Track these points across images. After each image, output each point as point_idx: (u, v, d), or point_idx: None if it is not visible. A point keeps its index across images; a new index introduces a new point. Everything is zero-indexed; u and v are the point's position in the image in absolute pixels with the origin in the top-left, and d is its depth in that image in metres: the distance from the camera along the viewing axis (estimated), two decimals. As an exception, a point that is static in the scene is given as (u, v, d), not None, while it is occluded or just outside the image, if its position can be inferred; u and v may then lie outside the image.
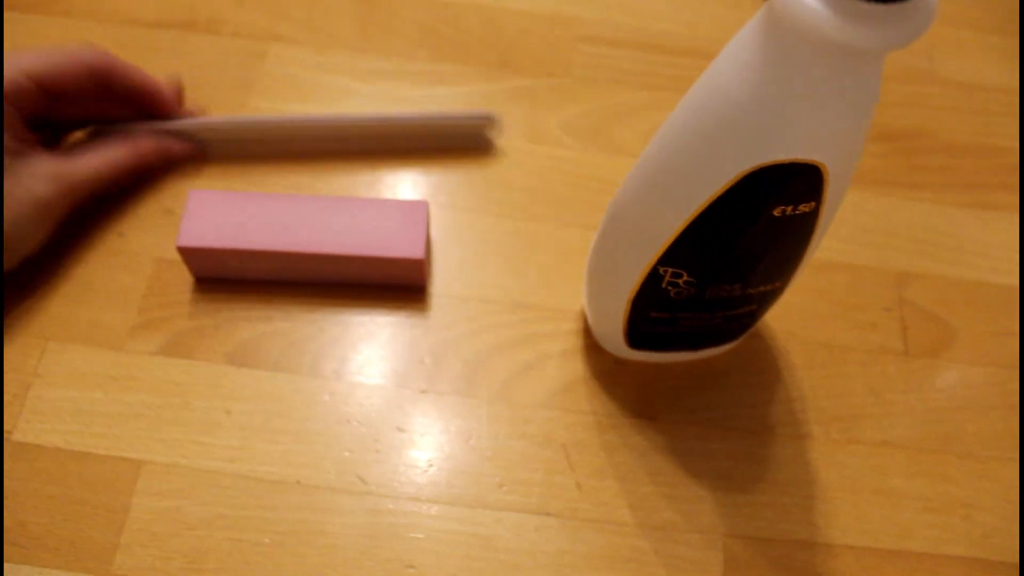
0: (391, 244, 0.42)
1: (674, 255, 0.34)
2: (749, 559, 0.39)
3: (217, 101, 0.50)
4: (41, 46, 0.43)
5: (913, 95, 0.54)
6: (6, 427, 0.39)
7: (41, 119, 0.43)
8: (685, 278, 0.35)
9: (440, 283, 0.45)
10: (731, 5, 0.56)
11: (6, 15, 0.52)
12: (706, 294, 0.36)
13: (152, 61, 0.51)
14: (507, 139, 0.50)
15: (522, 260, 0.46)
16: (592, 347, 0.43)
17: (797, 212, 0.31)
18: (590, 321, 0.42)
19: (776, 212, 0.31)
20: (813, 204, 0.31)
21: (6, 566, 0.36)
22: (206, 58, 0.52)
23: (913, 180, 0.50)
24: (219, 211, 0.42)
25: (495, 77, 0.52)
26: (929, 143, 0.52)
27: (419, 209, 0.43)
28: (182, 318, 0.43)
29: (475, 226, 0.47)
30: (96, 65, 0.43)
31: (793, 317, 0.45)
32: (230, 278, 0.44)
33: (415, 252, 0.42)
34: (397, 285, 0.44)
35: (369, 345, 0.43)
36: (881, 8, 0.24)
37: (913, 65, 0.55)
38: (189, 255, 0.42)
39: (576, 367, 0.43)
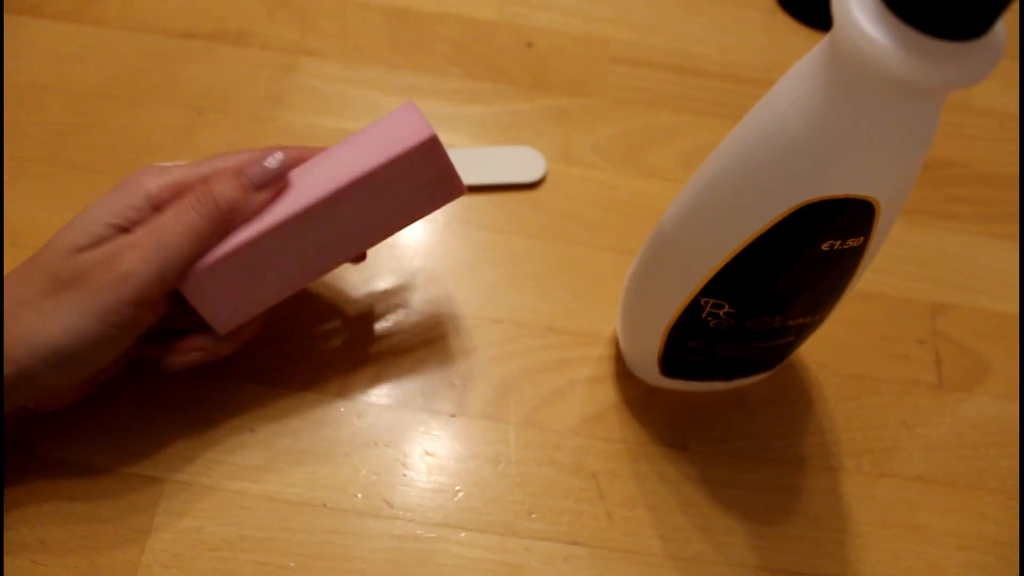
0: (394, 141, 0.35)
1: (717, 286, 0.33)
2: (780, 594, 0.38)
3: (246, 114, 0.49)
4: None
5: (948, 125, 0.53)
6: (29, 442, 0.39)
7: None
8: (726, 309, 0.34)
9: (471, 305, 0.44)
10: (765, 30, 0.56)
11: (37, 24, 0.52)
12: (746, 325, 0.35)
13: (180, 72, 0.51)
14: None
15: (553, 283, 0.45)
16: (623, 374, 0.43)
17: (845, 247, 0.31)
18: (623, 348, 0.42)
19: (824, 246, 0.31)
20: (861, 239, 0.31)
21: (26, 583, 0.36)
22: (235, 70, 0.51)
23: (948, 211, 0.50)
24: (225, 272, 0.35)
25: (528, 97, 0.52)
26: (964, 173, 0.51)
27: (406, 108, 0.36)
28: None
29: (507, 247, 0.46)
30: None
31: (826, 348, 0.44)
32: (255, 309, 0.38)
33: (422, 132, 0.35)
34: (432, 198, 0.37)
35: (398, 366, 0.42)
36: (948, 46, 0.24)
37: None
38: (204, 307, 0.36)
39: (607, 394, 0.42)
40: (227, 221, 0.33)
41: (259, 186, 0.34)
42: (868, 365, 0.44)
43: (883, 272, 0.47)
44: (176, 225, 0.32)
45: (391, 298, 0.44)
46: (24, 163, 0.46)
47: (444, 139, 0.49)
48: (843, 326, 0.45)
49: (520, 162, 0.48)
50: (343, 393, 0.41)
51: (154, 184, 0.34)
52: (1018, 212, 0.50)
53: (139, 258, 0.32)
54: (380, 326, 0.43)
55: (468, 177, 0.47)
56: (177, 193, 0.34)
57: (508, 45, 0.54)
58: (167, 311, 0.35)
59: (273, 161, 0.34)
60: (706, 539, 0.39)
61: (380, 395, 0.41)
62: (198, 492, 0.38)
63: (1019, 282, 0.48)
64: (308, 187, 0.35)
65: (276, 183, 0.34)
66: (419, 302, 0.44)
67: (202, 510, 0.38)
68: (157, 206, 0.34)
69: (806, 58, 0.28)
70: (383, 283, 0.45)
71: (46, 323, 0.31)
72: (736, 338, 0.36)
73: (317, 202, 0.34)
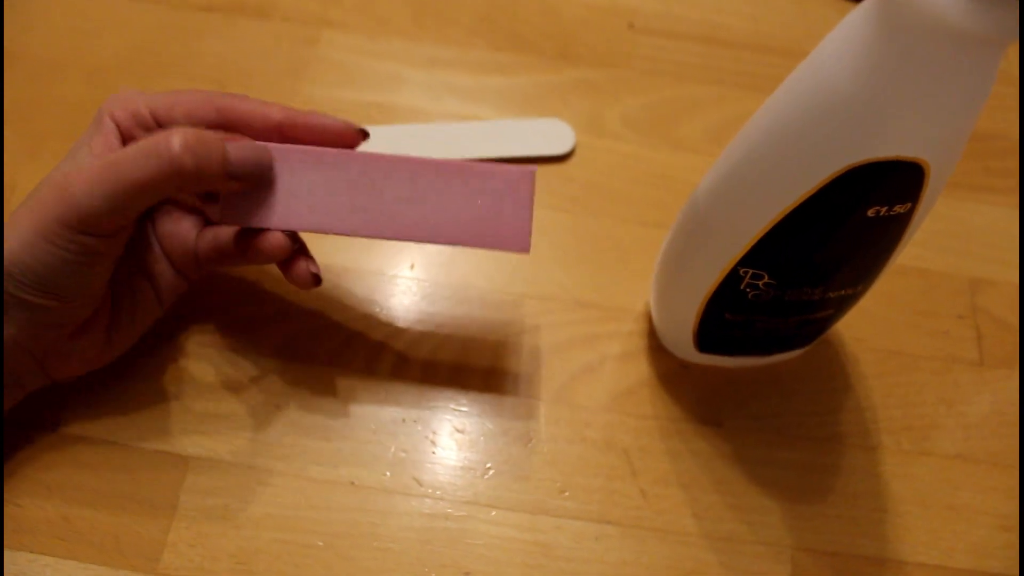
0: (489, 230, 0.34)
1: (757, 256, 0.32)
2: (817, 574, 0.37)
3: (267, 88, 0.48)
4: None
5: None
6: (54, 418, 0.38)
7: None
8: (765, 280, 0.33)
9: (498, 279, 0.43)
10: (794, -1, 0.54)
11: (54, -5, 0.51)
12: (785, 297, 0.34)
13: (200, 46, 0.50)
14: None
15: (582, 257, 0.44)
16: (656, 349, 0.42)
17: (892, 213, 0.30)
18: (656, 322, 0.41)
19: (870, 212, 0.29)
20: (909, 205, 0.30)
21: (50, 560, 0.35)
22: (256, 43, 0.50)
23: (987, 184, 0.48)
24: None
25: (554, 68, 0.51)
26: (1004, 145, 0.50)
27: (520, 190, 0.34)
28: (231, 308, 0.41)
29: (535, 221, 0.45)
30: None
31: (863, 323, 0.43)
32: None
33: (519, 239, 0.35)
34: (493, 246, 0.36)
35: (425, 343, 0.41)
36: (1010, -6, 0.22)
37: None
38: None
39: (639, 369, 0.41)
40: (186, 183, 0.31)
41: (236, 177, 0.32)
42: (906, 341, 0.43)
43: (921, 246, 0.45)
44: (132, 170, 0.30)
45: (417, 273, 0.43)
46: (43, 139, 0.46)
47: (469, 112, 0.49)
48: (880, 301, 0.44)
49: (549, 134, 0.47)
50: (370, 369, 0.40)
51: (120, 113, 0.34)
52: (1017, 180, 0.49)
53: (82, 184, 0.30)
54: (406, 302, 0.42)
55: (495, 150, 0.46)
56: (142, 125, 0.34)
57: (532, 16, 0.53)
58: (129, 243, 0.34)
59: (261, 163, 0.33)
60: (741, 518, 0.38)
61: (407, 371, 0.40)
62: (223, 470, 0.38)
63: (1019, 249, 0.46)
64: (369, 210, 0.34)
65: (256, 181, 0.33)
66: (445, 277, 0.43)
67: (227, 488, 0.37)
68: (126, 136, 0.34)
69: (854, 13, 0.27)
70: (408, 258, 0.44)
71: (8, 237, 0.31)
72: (775, 311, 0.35)
73: (373, 234, 0.34)
